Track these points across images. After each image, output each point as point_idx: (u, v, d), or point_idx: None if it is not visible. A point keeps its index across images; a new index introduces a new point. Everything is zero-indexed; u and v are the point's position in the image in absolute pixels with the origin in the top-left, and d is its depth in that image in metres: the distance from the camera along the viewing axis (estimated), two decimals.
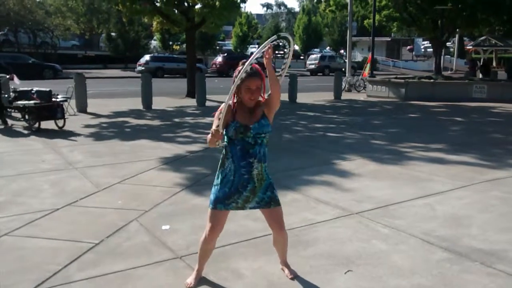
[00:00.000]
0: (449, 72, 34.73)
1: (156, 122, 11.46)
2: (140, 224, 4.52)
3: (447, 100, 16.59)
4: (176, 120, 11.86)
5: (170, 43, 41.52)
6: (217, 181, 3.17)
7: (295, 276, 3.45)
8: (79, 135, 9.43)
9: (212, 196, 3.17)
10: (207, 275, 3.48)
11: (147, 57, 32.28)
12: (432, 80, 18.95)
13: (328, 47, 51.88)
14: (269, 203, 3.18)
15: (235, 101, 3.07)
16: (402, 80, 18.84)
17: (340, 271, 3.58)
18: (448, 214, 4.86)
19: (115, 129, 10.25)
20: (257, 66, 3.01)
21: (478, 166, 6.97)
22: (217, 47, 45.26)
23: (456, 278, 3.48)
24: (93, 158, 7.33)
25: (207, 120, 11.47)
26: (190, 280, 3.35)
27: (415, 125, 11.56)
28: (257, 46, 55.06)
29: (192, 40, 18.61)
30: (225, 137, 3.09)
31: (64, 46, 41.62)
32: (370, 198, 5.36)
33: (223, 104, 2.94)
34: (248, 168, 3.07)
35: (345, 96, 18.57)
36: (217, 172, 3.19)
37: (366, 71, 21.06)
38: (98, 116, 12.30)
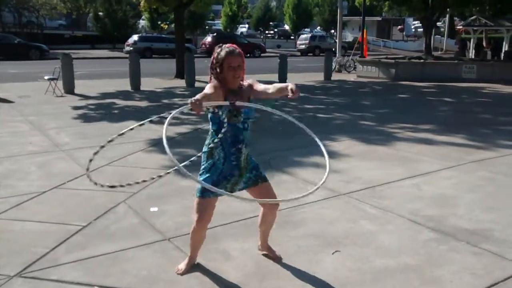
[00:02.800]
0: (439, 52, 34.67)
1: (145, 103, 11.36)
2: (129, 206, 4.50)
3: (437, 81, 16.62)
4: (165, 101, 11.77)
5: (159, 22, 40.91)
6: (203, 170, 3.09)
7: (280, 258, 3.46)
8: (66, 116, 9.32)
9: (198, 185, 3.07)
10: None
11: (135, 37, 31.82)
12: (422, 61, 18.95)
13: (319, 27, 51.52)
14: (256, 181, 3.17)
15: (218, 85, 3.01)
16: (392, 61, 18.82)
17: (327, 251, 3.61)
18: (435, 194, 4.91)
19: (103, 111, 10.15)
20: (234, 45, 3.05)
21: (466, 147, 7.02)
22: (207, 27, 44.74)
23: (443, 258, 3.53)
24: (80, 140, 7.27)
25: None
26: (182, 265, 3.31)
27: (405, 105, 11.59)
28: (247, 25, 54.58)
29: (180, 20, 18.36)
30: (213, 124, 3.05)
31: (50, 26, 40.98)
32: (358, 179, 5.38)
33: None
34: (237, 155, 3.05)
35: (335, 76, 18.53)
36: (204, 162, 3.10)
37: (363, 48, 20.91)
38: (85, 97, 12.16)
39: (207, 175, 3.06)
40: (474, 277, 3.24)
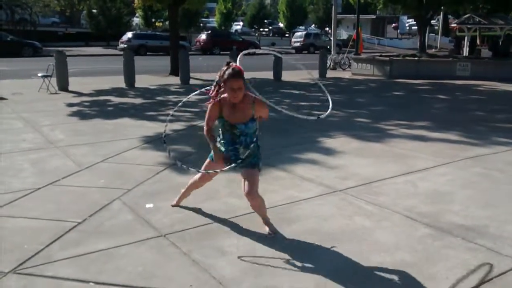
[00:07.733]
0: (433, 50, 34.78)
1: (139, 100, 11.31)
2: (123, 203, 4.47)
3: (431, 78, 16.66)
4: (159, 98, 11.72)
5: (153, 20, 40.80)
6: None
7: (274, 233, 3.79)
8: (60, 113, 9.26)
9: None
10: (191, 252, 3.47)
11: (129, 35, 31.73)
12: (416, 58, 18.98)
13: (313, 25, 51.54)
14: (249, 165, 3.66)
15: (215, 94, 3.53)
16: (387, 58, 18.83)
17: (323, 248, 3.60)
18: (431, 191, 4.91)
19: (97, 108, 10.10)
20: (239, 66, 3.40)
21: (460, 143, 7.03)
22: (201, 24, 44.66)
23: (438, 254, 3.53)
24: (74, 137, 7.22)
25: (191, 98, 11.32)
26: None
27: (399, 103, 11.61)
28: (241, 23, 54.53)
29: (175, 17, 18.29)
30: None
31: (43, 23, 40.73)
32: (354, 176, 5.38)
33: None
34: (235, 152, 3.67)
35: (330, 74, 18.53)
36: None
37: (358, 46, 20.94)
38: (79, 94, 12.10)
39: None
40: (470, 273, 3.24)
